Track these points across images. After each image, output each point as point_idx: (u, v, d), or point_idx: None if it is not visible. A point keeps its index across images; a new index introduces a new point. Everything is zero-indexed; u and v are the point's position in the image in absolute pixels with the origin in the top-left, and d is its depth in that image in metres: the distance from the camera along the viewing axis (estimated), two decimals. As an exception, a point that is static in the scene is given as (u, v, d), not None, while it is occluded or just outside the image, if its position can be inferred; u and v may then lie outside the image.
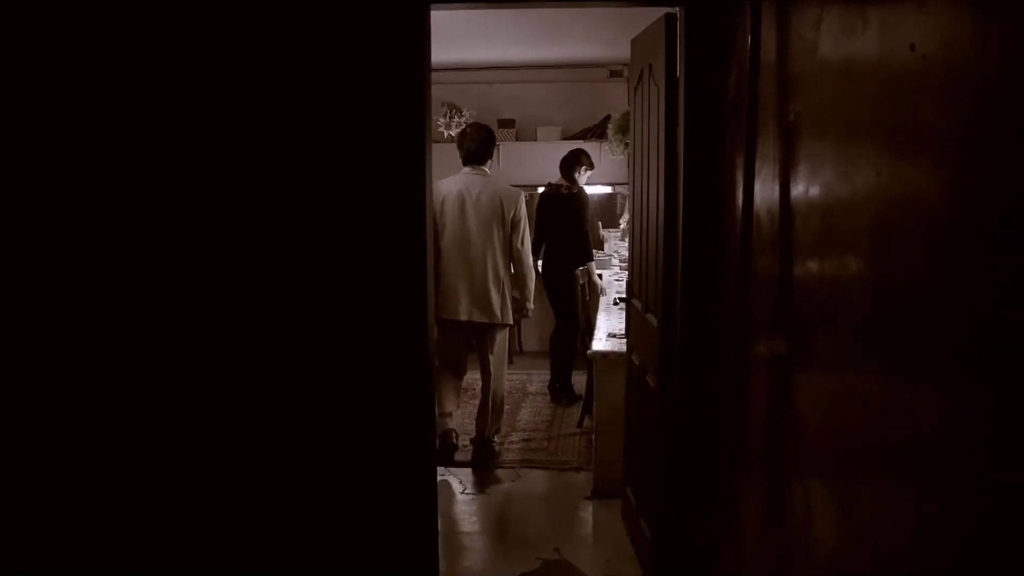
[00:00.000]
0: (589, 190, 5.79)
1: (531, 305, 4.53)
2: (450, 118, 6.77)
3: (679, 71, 2.64)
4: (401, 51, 2.37)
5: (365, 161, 2.41)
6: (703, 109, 2.54)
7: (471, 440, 4.43)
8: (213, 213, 2.41)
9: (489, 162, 4.33)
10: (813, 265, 1.49)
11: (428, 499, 2.62)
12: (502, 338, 4.37)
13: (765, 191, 1.78)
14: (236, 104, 2.36)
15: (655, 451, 2.82)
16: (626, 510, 3.46)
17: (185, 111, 2.37)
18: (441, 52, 6.52)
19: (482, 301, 4.17)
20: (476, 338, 4.34)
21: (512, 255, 4.27)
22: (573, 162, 5.44)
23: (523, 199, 4.31)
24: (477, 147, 4.27)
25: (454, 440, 4.36)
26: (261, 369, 2.47)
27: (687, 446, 2.62)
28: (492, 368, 4.31)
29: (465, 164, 4.30)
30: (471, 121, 6.94)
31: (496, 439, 4.47)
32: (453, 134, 5.87)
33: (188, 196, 2.40)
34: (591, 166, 5.52)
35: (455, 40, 5.67)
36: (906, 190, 1.09)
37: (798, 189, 1.55)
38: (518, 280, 4.35)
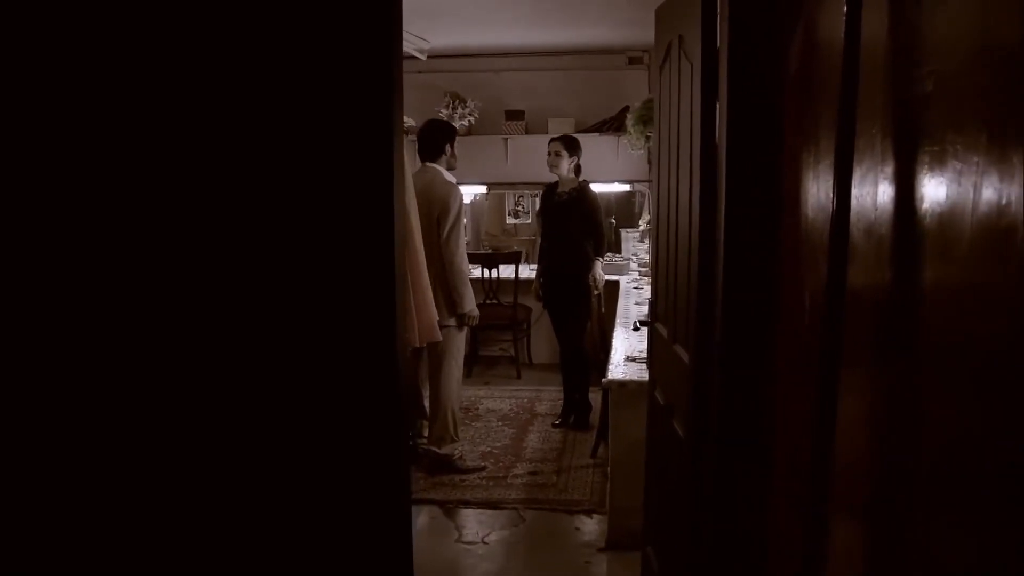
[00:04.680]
0: (600, 188, 5.23)
1: (468, 311, 4.12)
2: (453, 109, 6.21)
3: (720, 40, 2.09)
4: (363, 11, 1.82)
5: (317, 153, 1.86)
6: (752, 87, 1.98)
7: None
8: (153, 208, 1.87)
9: (443, 156, 4.21)
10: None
11: (402, 542, 2.05)
12: (444, 339, 4.03)
13: (869, 190, 1.22)
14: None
15: (684, 516, 2.26)
16: (646, 573, 2.89)
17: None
18: (443, 36, 5.99)
19: None
20: None
21: (442, 254, 4.06)
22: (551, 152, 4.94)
23: (456, 196, 4.12)
24: (426, 142, 4.22)
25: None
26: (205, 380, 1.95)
27: (729, 519, 2.06)
28: (431, 371, 4.19)
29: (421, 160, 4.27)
30: (476, 112, 6.44)
31: (450, 451, 4.23)
32: (457, 127, 5.41)
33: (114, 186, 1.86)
34: (563, 153, 4.87)
35: (458, 23, 5.15)
36: None
37: (945, 188, 0.99)
38: (448, 280, 4.08)
